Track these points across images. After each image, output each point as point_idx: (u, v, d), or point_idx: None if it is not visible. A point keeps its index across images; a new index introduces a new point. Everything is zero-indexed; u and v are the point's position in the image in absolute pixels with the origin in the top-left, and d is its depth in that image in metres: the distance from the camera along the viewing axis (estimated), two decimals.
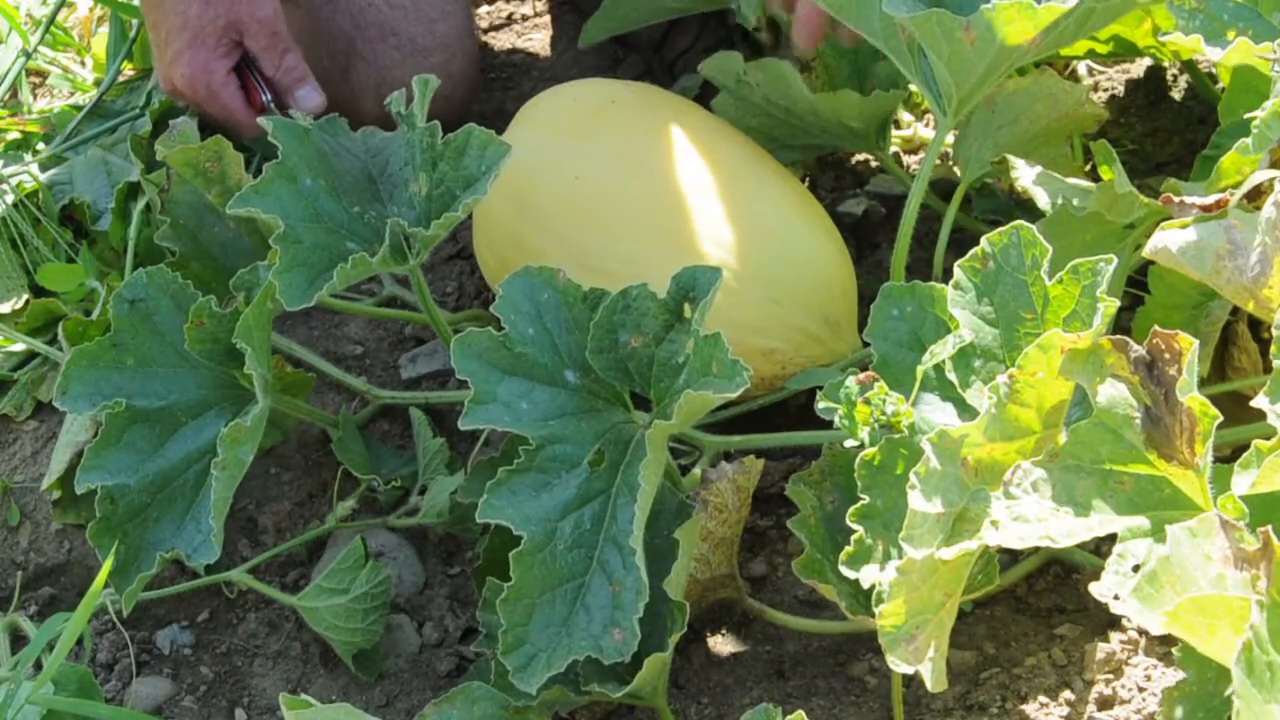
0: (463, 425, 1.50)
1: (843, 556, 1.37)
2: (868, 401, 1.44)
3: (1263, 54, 1.55)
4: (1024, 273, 1.42)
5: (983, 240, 1.44)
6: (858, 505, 1.38)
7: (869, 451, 1.40)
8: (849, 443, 1.46)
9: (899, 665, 1.28)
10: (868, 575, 1.35)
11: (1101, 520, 1.22)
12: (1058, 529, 1.21)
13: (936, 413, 1.46)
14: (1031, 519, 1.22)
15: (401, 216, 1.67)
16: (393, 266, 1.65)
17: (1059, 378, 1.27)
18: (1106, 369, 1.24)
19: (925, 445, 1.27)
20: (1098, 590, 1.20)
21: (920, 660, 1.28)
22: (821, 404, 1.49)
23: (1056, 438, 1.29)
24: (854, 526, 1.38)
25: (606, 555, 1.46)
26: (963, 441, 1.27)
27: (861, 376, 1.47)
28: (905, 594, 1.27)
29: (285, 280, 1.59)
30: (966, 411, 1.43)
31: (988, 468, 1.28)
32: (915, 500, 1.25)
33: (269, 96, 1.94)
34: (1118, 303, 1.32)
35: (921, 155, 2.08)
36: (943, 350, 1.45)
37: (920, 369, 1.46)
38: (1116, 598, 1.19)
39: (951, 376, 1.44)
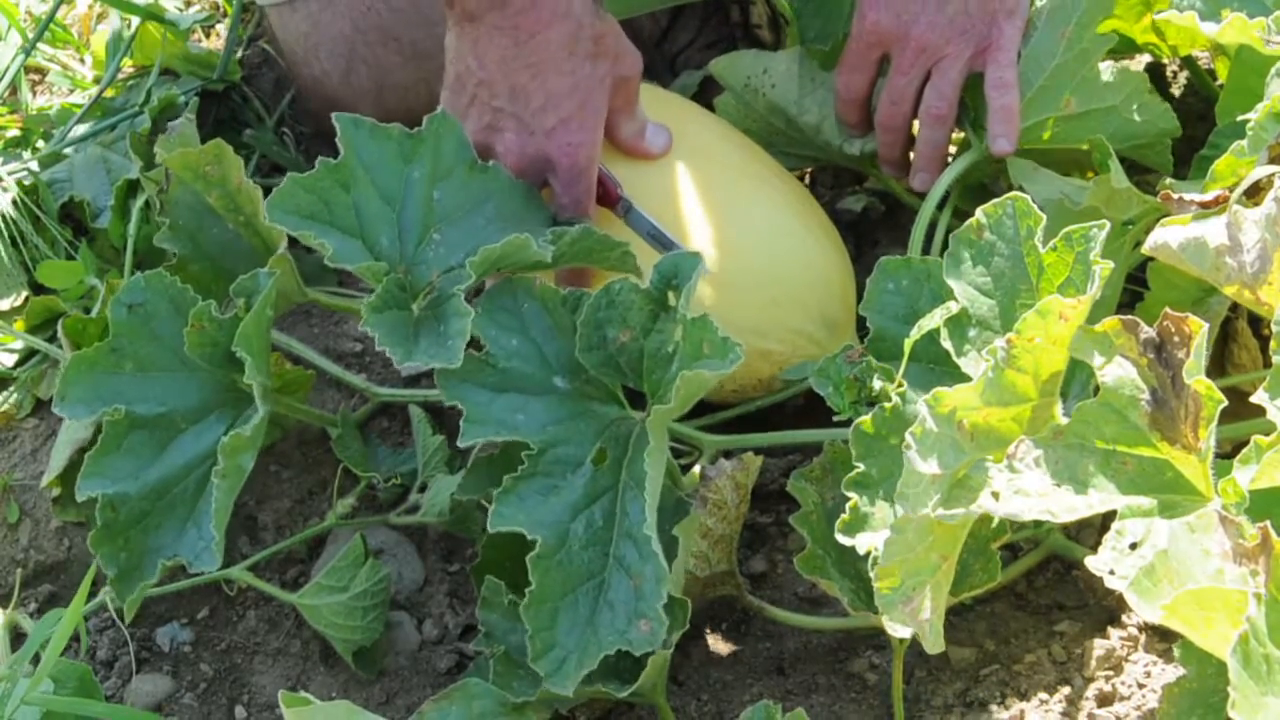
0: (461, 443, 1.50)
1: (839, 524, 1.37)
2: (856, 377, 1.45)
3: (1257, 30, 1.56)
4: (1019, 242, 1.43)
5: (978, 211, 1.45)
6: (853, 473, 1.39)
7: (863, 420, 1.41)
8: (836, 417, 1.47)
9: (897, 628, 1.28)
10: (864, 541, 1.35)
11: (1102, 499, 1.23)
12: (1058, 504, 1.22)
13: (931, 386, 1.46)
14: (1032, 493, 1.22)
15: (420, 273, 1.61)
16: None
17: (1056, 345, 1.27)
18: (1115, 349, 1.24)
19: (921, 406, 1.27)
20: (1093, 564, 1.21)
21: (918, 622, 1.28)
22: (813, 380, 1.50)
23: (1053, 409, 1.29)
24: (849, 494, 1.38)
25: (622, 550, 1.46)
26: (959, 403, 1.27)
27: (851, 353, 1.48)
28: (901, 554, 1.27)
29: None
30: (962, 382, 1.44)
31: (984, 433, 1.28)
32: (912, 460, 1.26)
33: (632, 203, 1.72)
34: (1112, 264, 1.32)
35: None
36: (930, 321, 1.46)
37: (909, 340, 1.47)
38: (1111, 573, 1.19)
39: (947, 345, 1.45)
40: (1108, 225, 1.36)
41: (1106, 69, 1.75)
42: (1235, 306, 1.66)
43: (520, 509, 1.47)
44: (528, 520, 1.46)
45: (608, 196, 1.72)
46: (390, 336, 1.51)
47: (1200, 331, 1.20)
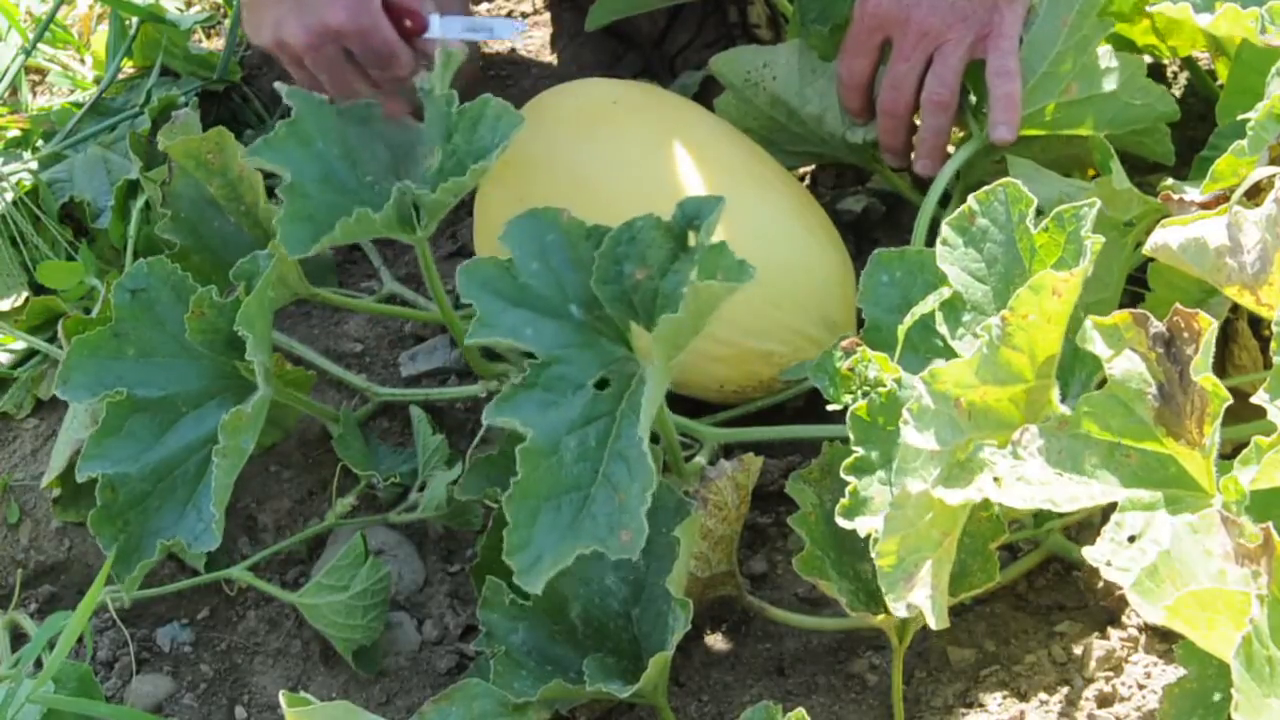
0: (468, 341, 1.51)
1: (839, 508, 1.37)
2: (852, 368, 1.45)
3: (1250, 20, 1.56)
4: (1011, 227, 1.43)
5: (970, 199, 1.45)
6: (851, 458, 1.39)
7: (858, 406, 1.41)
8: (832, 407, 1.47)
9: (899, 606, 1.28)
10: (864, 525, 1.35)
11: (1104, 490, 1.23)
12: (1060, 493, 1.22)
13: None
14: (1035, 481, 1.22)
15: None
16: (399, 232, 1.64)
17: (1051, 322, 1.27)
18: (1124, 342, 1.24)
19: (917, 383, 1.27)
20: (1091, 554, 1.21)
21: (920, 598, 1.28)
22: (811, 374, 1.50)
23: (1049, 394, 1.29)
24: (848, 479, 1.38)
25: (613, 469, 1.44)
26: (955, 380, 1.27)
27: (846, 343, 1.48)
28: (901, 530, 1.27)
29: (288, 229, 1.59)
30: None
31: (980, 412, 1.28)
32: (909, 435, 1.26)
33: (436, 15, 1.85)
34: (1103, 239, 1.33)
35: None
36: (925, 306, 1.46)
37: (903, 326, 1.47)
38: (1109, 564, 1.20)
39: (942, 329, 1.45)
40: (1098, 203, 1.37)
41: (1105, 54, 1.75)
42: (1236, 307, 1.66)
43: (516, 413, 1.46)
44: (522, 421, 1.45)
45: (417, 26, 1.82)
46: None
47: (1209, 328, 1.20)
